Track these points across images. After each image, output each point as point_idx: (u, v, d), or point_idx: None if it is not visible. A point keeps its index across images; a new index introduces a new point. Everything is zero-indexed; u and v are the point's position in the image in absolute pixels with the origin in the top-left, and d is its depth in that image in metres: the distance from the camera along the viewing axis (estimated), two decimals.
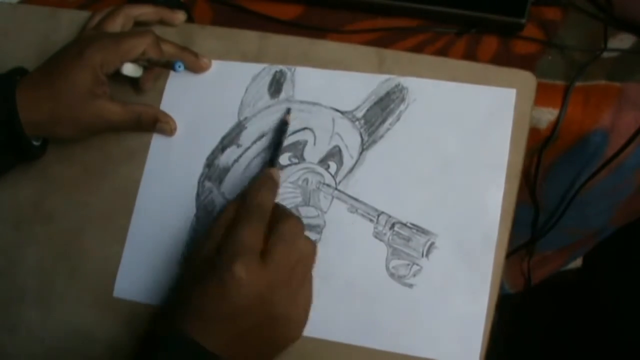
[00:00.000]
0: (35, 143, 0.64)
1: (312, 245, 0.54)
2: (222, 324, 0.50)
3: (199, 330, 0.50)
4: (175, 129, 0.65)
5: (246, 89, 0.65)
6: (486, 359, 0.56)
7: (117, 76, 0.64)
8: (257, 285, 0.50)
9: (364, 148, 0.61)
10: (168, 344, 0.50)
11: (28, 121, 0.60)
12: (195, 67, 0.66)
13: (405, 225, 0.59)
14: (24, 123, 0.60)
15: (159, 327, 0.53)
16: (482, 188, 0.58)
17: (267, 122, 0.64)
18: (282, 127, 0.62)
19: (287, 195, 0.61)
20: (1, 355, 0.64)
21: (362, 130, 0.61)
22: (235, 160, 0.63)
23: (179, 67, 0.63)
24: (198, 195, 0.63)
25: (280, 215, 0.53)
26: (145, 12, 0.67)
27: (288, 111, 0.63)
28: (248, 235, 0.51)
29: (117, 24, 0.66)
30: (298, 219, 0.54)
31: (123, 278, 0.63)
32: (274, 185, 0.57)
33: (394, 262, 0.58)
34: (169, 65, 0.63)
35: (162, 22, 0.69)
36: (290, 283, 0.52)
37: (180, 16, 0.69)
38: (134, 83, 0.66)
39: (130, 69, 0.64)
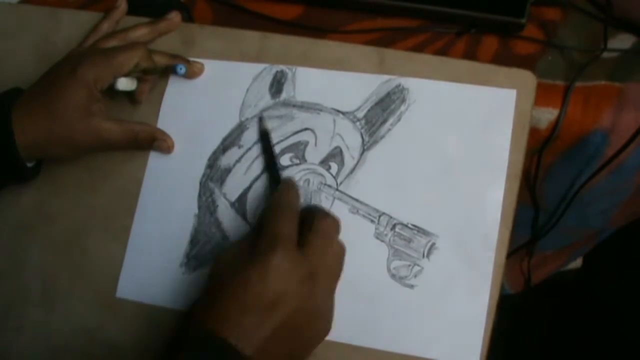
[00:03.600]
0: (28, 165, 0.63)
1: (344, 247, 0.55)
2: (260, 316, 0.49)
3: (233, 328, 0.49)
4: (172, 146, 0.65)
5: (247, 90, 0.65)
6: (486, 359, 0.56)
7: (111, 90, 0.63)
8: (297, 273, 0.50)
9: (364, 149, 0.61)
10: (197, 343, 0.49)
11: (23, 143, 0.59)
12: (189, 72, 0.65)
13: (406, 226, 0.59)
14: (19, 145, 0.59)
15: (187, 325, 0.52)
16: (483, 188, 0.58)
17: (268, 122, 0.63)
18: (265, 139, 0.62)
19: None
20: (7, 354, 0.64)
21: (363, 130, 0.62)
22: (237, 161, 0.63)
23: (181, 69, 0.64)
24: (200, 195, 0.63)
25: (318, 213, 0.54)
26: (142, 33, 0.67)
27: (261, 119, 0.62)
28: (282, 227, 0.52)
29: (111, 46, 0.65)
30: (335, 218, 0.55)
31: (125, 278, 0.63)
32: (297, 188, 0.57)
33: (395, 263, 0.58)
34: (170, 70, 0.64)
35: (162, 35, 0.68)
36: (327, 277, 0.53)
37: (175, 19, 0.68)
38: (129, 95, 0.66)
39: (124, 84, 0.63)
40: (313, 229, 0.53)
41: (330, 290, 0.53)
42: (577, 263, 1.03)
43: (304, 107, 0.63)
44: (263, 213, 0.54)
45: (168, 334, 0.61)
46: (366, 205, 0.60)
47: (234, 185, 0.63)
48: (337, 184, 0.61)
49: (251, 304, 0.49)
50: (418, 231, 0.58)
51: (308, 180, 0.61)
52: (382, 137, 0.61)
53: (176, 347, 0.49)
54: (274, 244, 0.50)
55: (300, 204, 0.56)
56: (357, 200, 0.60)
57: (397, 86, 0.62)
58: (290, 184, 0.57)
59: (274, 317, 0.49)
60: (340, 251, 0.54)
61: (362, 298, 0.58)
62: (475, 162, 0.59)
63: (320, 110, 0.63)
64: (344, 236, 0.59)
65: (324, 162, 0.62)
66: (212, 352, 0.48)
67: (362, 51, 0.64)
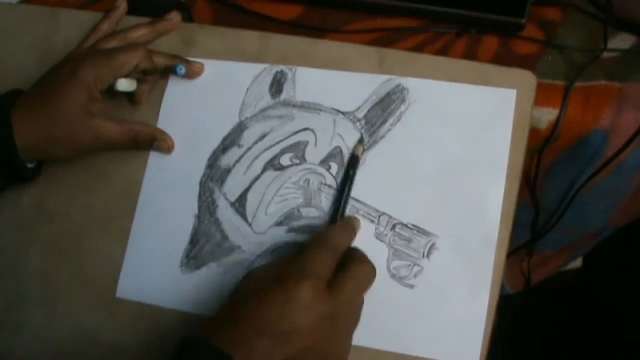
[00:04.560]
0: (29, 165, 0.63)
1: (363, 300, 0.54)
2: (272, 342, 0.48)
3: (242, 347, 0.47)
4: (172, 146, 0.65)
5: (247, 89, 0.65)
6: (486, 359, 0.56)
7: (111, 90, 0.63)
8: (319, 310, 0.49)
9: (364, 149, 0.61)
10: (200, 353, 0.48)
11: (23, 143, 0.59)
12: (189, 72, 0.65)
13: (406, 226, 0.59)
14: (19, 146, 0.59)
15: (194, 336, 0.50)
16: (483, 188, 0.58)
17: (268, 122, 0.64)
18: (352, 163, 0.60)
19: (288, 196, 0.61)
20: (6, 355, 0.64)
21: (363, 130, 0.62)
22: (237, 161, 0.63)
23: (181, 70, 0.64)
24: (200, 195, 0.63)
25: (357, 257, 0.54)
26: (142, 34, 0.67)
27: (360, 140, 0.61)
28: (318, 264, 0.51)
29: (111, 46, 0.65)
30: (373, 266, 0.54)
31: (125, 278, 0.63)
32: (353, 232, 0.57)
33: (395, 263, 0.58)
34: (170, 70, 0.64)
35: (162, 35, 0.68)
36: (348, 321, 0.52)
37: (175, 19, 0.68)
38: (129, 95, 0.66)
39: (124, 85, 0.63)
40: (348, 272, 0.52)
41: (347, 335, 0.53)
42: (577, 263, 1.03)
43: (304, 107, 0.63)
44: (307, 245, 0.53)
45: (168, 334, 0.61)
46: (366, 205, 0.60)
47: (234, 185, 0.63)
48: (337, 184, 0.61)
49: (266, 329, 0.48)
50: (418, 231, 0.58)
51: (308, 180, 0.61)
52: (382, 137, 0.61)
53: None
54: (303, 276, 0.49)
55: (346, 246, 0.55)
56: (357, 200, 0.60)
57: (397, 86, 0.62)
58: (349, 226, 0.57)
59: (285, 347, 0.48)
60: (363, 302, 0.54)
61: None
62: (475, 162, 0.59)
63: (320, 110, 0.63)
64: None
65: (324, 162, 0.62)
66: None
67: (362, 51, 0.64)
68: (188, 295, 0.62)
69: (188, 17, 0.71)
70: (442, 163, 0.59)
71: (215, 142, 0.64)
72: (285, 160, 0.62)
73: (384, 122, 0.61)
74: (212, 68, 0.66)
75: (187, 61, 0.65)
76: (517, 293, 0.87)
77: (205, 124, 0.65)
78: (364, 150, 0.60)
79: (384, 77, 0.62)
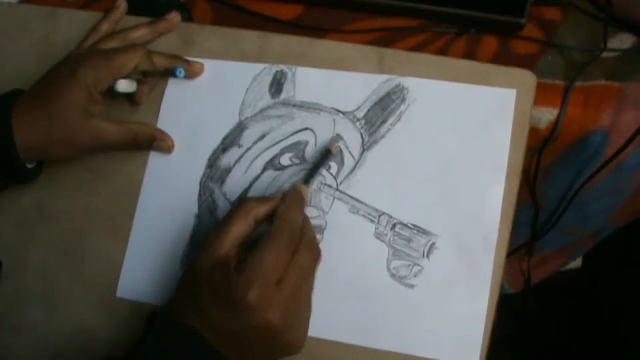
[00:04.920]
0: (29, 166, 0.63)
1: (314, 251, 0.54)
2: (226, 336, 0.50)
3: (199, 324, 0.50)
4: (172, 146, 0.65)
5: (247, 89, 0.65)
6: (486, 359, 0.56)
7: (111, 91, 0.63)
8: (267, 313, 0.49)
9: (365, 149, 0.61)
10: (167, 324, 0.51)
11: (23, 144, 0.59)
12: (189, 73, 0.65)
13: (406, 226, 0.59)
14: (19, 146, 0.59)
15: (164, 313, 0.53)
16: (483, 188, 0.58)
17: (268, 122, 0.64)
18: (325, 155, 0.60)
19: None
20: (7, 354, 0.64)
21: (363, 130, 0.62)
22: (237, 161, 0.63)
23: (180, 73, 0.64)
24: (200, 195, 0.63)
25: (306, 242, 0.53)
26: (142, 34, 0.67)
27: (336, 139, 0.61)
28: (273, 261, 0.50)
29: (111, 47, 0.65)
30: (319, 252, 0.54)
31: (126, 278, 0.63)
32: (304, 203, 0.56)
33: (395, 263, 0.58)
34: (169, 73, 0.64)
35: (162, 35, 0.68)
36: (299, 308, 0.52)
37: (175, 20, 0.68)
38: (129, 96, 0.66)
39: (124, 86, 0.63)
40: (296, 263, 0.51)
41: (300, 320, 0.53)
42: (577, 263, 1.03)
43: (304, 107, 0.63)
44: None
45: None
46: (366, 205, 0.60)
47: (234, 185, 0.63)
48: (337, 184, 0.61)
49: (217, 325, 0.50)
50: (418, 231, 0.58)
51: None
52: (382, 137, 0.61)
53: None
54: (252, 283, 0.49)
55: (300, 223, 0.54)
56: (357, 200, 0.60)
57: (397, 86, 0.62)
58: (298, 198, 0.55)
59: (237, 342, 0.50)
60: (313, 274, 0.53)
61: (362, 298, 0.58)
62: (475, 162, 0.59)
63: (320, 110, 0.63)
64: (344, 236, 0.59)
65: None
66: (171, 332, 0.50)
67: (362, 51, 0.64)
68: None
69: (188, 17, 0.71)
70: (443, 163, 0.59)
71: (215, 142, 0.64)
72: (285, 160, 0.62)
73: (384, 122, 0.61)
74: (212, 68, 0.66)
75: (187, 61, 0.65)
76: (517, 293, 0.87)
77: (205, 124, 0.65)
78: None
79: (384, 77, 0.62)
